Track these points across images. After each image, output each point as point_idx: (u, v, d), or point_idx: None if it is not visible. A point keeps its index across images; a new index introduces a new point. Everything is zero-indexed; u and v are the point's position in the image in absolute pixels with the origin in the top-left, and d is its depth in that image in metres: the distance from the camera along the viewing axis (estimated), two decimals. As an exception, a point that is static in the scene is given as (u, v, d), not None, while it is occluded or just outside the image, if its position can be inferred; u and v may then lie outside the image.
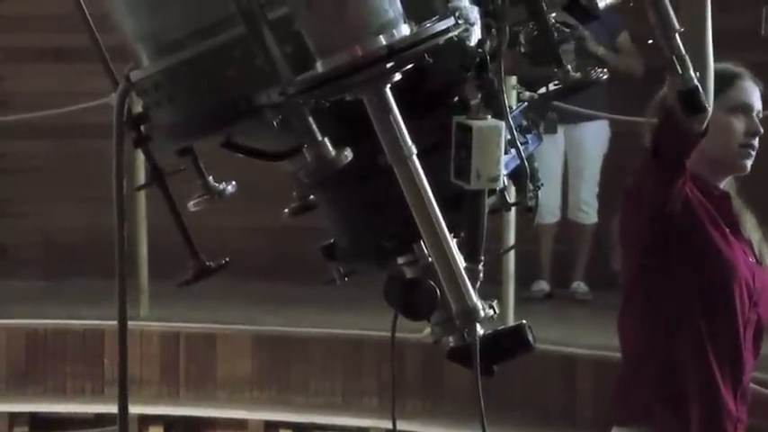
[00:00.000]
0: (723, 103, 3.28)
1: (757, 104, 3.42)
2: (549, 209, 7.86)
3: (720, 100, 3.22)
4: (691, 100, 2.25)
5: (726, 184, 3.44)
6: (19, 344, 7.39)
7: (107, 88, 2.02)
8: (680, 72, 2.16)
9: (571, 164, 8.01)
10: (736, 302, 3.31)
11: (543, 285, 8.10)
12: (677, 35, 2.11)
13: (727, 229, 3.36)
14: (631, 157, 3.60)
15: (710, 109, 2.76)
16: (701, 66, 2.53)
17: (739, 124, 3.36)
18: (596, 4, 2.04)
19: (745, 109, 3.38)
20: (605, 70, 2.16)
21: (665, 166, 3.17)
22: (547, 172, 7.54)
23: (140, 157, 2.00)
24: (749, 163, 3.39)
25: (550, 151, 7.56)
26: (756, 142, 3.39)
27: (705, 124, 3.02)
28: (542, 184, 2.05)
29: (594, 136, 7.95)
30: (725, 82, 3.32)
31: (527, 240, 7.63)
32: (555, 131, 6.90)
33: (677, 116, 2.95)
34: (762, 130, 3.39)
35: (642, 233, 3.32)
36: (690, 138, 3.06)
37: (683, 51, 2.14)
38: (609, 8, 2.07)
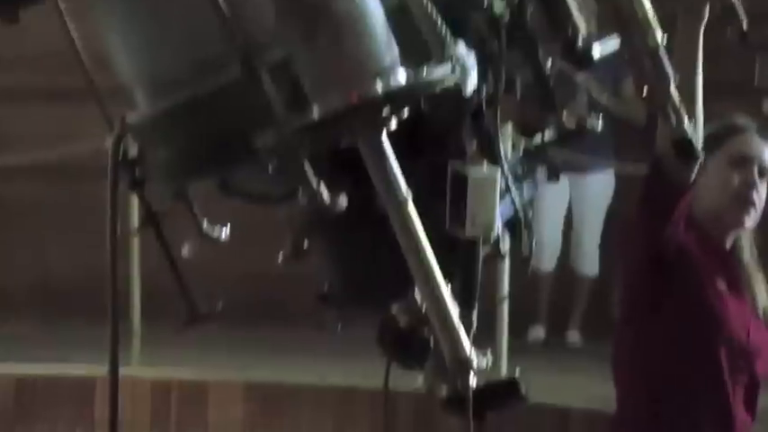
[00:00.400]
0: (723, 155, 3.29)
1: (762, 157, 3.38)
2: (549, 256, 7.88)
3: (722, 151, 3.24)
4: (684, 149, 2.24)
5: (735, 240, 3.39)
6: (9, 389, 7.34)
7: (103, 130, 2.01)
8: (674, 121, 2.16)
9: (575, 213, 8.04)
10: (721, 357, 3.29)
11: (539, 332, 8.08)
12: (672, 84, 2.11)
13: (725, 285, 3.35)
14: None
15: (701, 159, 2.76)
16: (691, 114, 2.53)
17: (737, 176, 3.34)
18: (592, 51, 2.04)
19: (745, 161, 3.35)
20: (600, 119, 2.15)
21: (654, 214, 3.17)
22: (549, 219, 7.59)
23: (135, 199, 1.99)
24: (747, 218, 3.35)
25: (554, 199, 7.60)
26: (755, 197, 3.34)
27: (693, 174, 3.02)
28: (534, 232, 2.05)
29: (600, 187, 7.98)
30: (727, 134, 3.33)
31: (521, 289, 7.61)
32: (557, 180, 6.91)
33: (665, 165, 2.96)
34: (757, 183, 3.35)
35: (633, 281, 3.32)
36: (676, 187, 3.06)
37: (678, 102, 2.14)
38: (614, 53, 2.07)
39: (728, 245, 3.39)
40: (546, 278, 8.03)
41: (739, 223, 3.37)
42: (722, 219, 3.37)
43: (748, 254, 3.43)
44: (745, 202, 3.34)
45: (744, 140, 3.39)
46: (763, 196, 3.37)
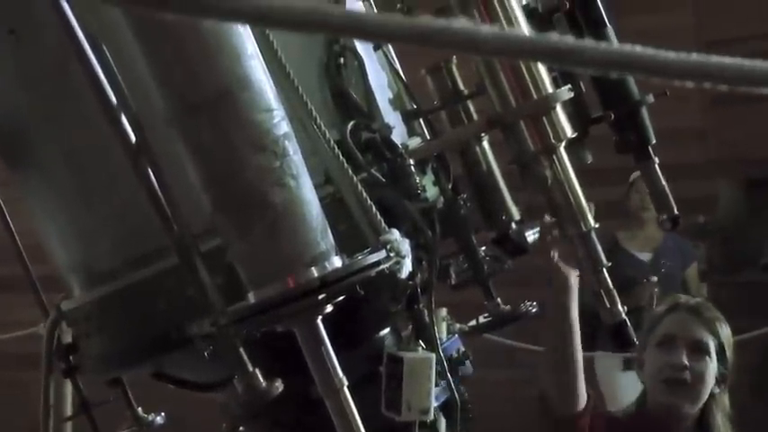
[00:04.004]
0: (653, 339, 3.20)
1: (690, 334, 3.19)
2: None
3: (652, 336, 3.18)
4: (619, 334, 2.24)
5: (701, 414, 3.23)
6: None
7: (38, 318, 2.01)
8: (608, 306, 2.17)
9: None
10: None
11: None
12: (605, 270, 2.14)
13: None
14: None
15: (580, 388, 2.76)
16: None
17: (665, 358, 3.15)
18: (526, 238, 2.07)
19: (669, 341, 3.17)
20: (535, 303, 2.16)
21: None
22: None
23: (69, 387, 1.98)
24: (682, 399, 3.16)
25: (627, 387, 7.49)
26: (687, 376, 3.19)
27: (579, 405, 2.92)
28: (472, 417, 2.04)
29: None
30: (656, 320, 3.23)
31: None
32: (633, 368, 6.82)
33: (549, 400, 2.89)
34: (685, 364, 3.16)
35: None
36: (562, 420, 2.93)
37: (611, 285, 2.16)
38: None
39: (691, 421, 3.20)
40: None
41: (675, 405, 3.15)
42: (657, 400, 3.22)
43: (720, 424, 3.23)
44: (676, 385, 3.15)
45: (671, 321, 3.22)
46: (704, 372, 3.18)
